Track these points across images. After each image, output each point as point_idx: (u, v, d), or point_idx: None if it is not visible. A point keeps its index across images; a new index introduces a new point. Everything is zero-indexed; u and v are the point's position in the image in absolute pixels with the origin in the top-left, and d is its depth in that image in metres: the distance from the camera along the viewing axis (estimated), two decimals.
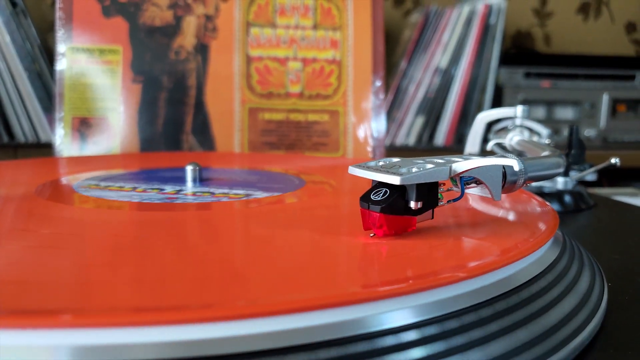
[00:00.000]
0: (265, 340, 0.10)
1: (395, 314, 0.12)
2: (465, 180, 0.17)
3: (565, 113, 1.01)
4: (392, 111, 0.93)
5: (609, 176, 0.98)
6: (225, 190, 0.24)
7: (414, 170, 0.15)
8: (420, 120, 0.92)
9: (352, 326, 0.11)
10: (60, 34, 0.44)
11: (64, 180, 0.28)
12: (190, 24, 0.46)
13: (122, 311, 0.10)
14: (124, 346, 0.10)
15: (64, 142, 0.43)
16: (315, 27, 0.47)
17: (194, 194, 0.24)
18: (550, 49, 1.25)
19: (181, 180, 0.27)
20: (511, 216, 0.20)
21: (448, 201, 0.17)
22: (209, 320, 0.10)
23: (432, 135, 0.93)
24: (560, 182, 0.34)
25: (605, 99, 1.00)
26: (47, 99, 0.80)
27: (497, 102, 0.97)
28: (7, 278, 0.12)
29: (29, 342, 0.10)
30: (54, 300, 0.11)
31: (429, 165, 0.16)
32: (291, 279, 0.13)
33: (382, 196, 0.16)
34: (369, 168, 0.16)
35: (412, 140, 0.93)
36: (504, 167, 0.17)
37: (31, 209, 0.21)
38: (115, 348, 0.10)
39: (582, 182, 0.36)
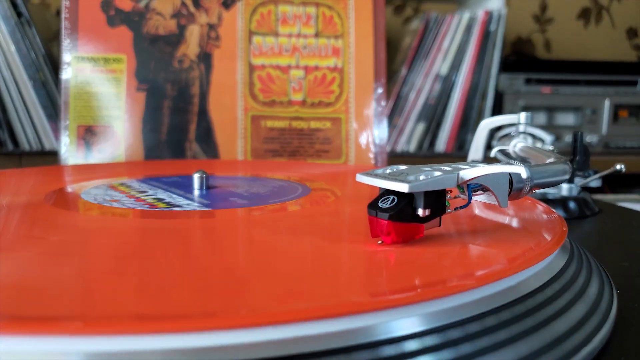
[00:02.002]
0: (269, 348, 0.10)
1: (402, 322, 0.12)
2: (472, 187, 0.17)
3: (566, 119, 1.01)
4: (393, 118, 0.93)
5: (611, 182, 0.98)
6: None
7: (421, 177, 0.15)
8: (421, 127, 0.92)
9: (358, 334, 0.11)
10: (65, 43, 0.44)
11: (71, 188, 0.28)
12: (194, 32, 0.46)
13: (126, 319, 0.10)
14: (128, 353, 0.10)
15: (69, 150, 0.44)
16: (317, 35, 0.47)
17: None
18: (550, 55, 1.26)
19: (187, 188, 0.27)
20: (518, 223, 0.20)
21: (455, 208, 0.17)
22: (212, 328, 0.10)
23: (432, 142, 0.93)
24: (564, 189, 0.34)
25: (606, 104, 1.00)
26: (51, 107, 0.81)
27: (497, 109, 0.97)
28: (12, 284, 0.12)
29: (31, 349, 0.10)
30: (57, 308, 0.11)
31: (437, 173, 0.16)
32: (296, 287, 0.13)
33: (390, 204, 0.16)
34: (376, 176, 0.16)
35: (413, 147, 0.93)
36: (510, 174, 0.17)
37: (41, 217, 0.21)
38: (119, 355, 0.10)
39: (586, 189, 0.36)
